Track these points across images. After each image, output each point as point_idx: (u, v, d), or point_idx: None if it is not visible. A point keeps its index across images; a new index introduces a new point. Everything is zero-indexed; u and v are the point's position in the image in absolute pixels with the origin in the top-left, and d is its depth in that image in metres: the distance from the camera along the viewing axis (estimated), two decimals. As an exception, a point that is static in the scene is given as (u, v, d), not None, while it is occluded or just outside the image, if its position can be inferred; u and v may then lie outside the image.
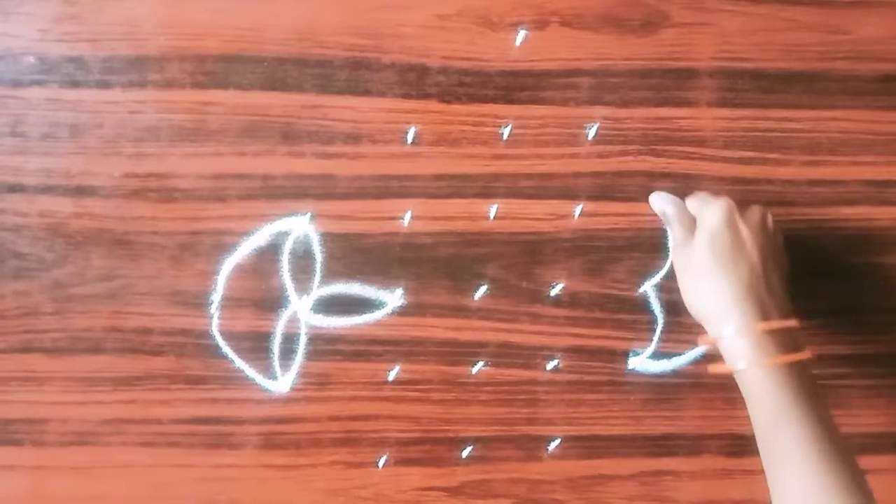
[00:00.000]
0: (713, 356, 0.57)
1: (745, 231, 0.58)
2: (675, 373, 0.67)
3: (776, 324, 0.55)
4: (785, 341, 0.55)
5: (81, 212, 0.64)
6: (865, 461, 0.69)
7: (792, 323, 0.56)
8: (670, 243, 0.62)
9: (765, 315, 0.55)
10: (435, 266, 0.66)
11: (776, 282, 0.58)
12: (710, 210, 0.59)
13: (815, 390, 0.54)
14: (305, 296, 0.66)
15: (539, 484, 0.68)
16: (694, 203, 0.61)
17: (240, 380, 0.66)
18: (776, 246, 0.60)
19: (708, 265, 0.57)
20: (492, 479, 0.68)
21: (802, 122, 0.66)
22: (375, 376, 0.67)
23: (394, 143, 0.64)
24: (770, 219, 0.60)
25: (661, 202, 0.62)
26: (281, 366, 0.66)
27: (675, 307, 0.66)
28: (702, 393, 0.68)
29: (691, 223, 0.60)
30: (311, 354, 0.66)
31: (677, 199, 0.62)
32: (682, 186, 0.65)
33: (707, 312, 0.57)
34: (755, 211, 0.60)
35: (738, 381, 0.56)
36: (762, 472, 0.67)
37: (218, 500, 0.67)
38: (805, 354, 0.55)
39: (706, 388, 0.67)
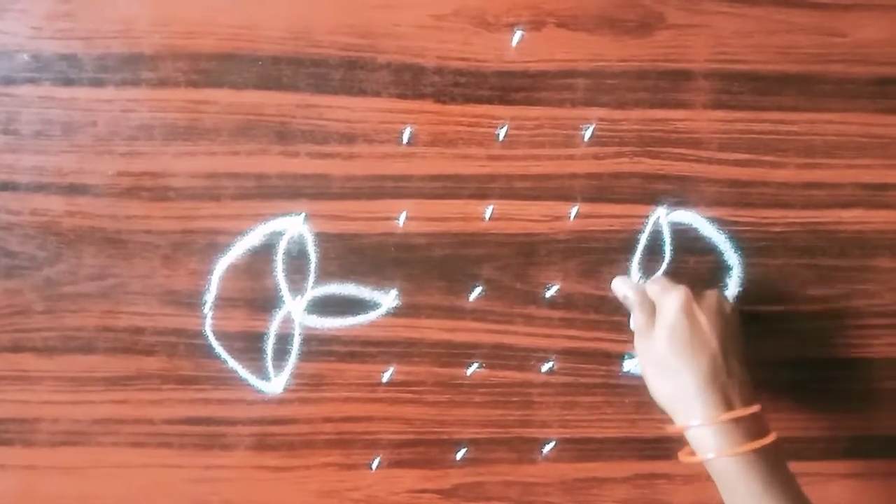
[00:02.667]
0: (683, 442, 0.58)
1: (702, 319, 0.58)
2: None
3: (740, 412, 0.56)
4: (750, 427, 0.56)
5: (74, 210, 0.64)
6: (859, 465, 0.69)
7: (755, 408, 0.57)
8: (632, 325, 0.62)
9: (728, 403, 0.56)
10: (429, 267, 0.66)
11: (737, 367, 0.58)
12: (667, 300, 0.59)
13: (784, 473, 0.56)
14: (299, 296, 0.65)
15: (533, 486, 0.68)
16: (653, 288, 0.61)
17: (232, 380, 0.66)
18: (734, 328, 0.60)
19: (668, 357, 0.58)
20: (485, 482, 0.68)
21: (798, 124, 0.65)
22: (369, 377, 0.66)
23: (389, 143, 0.64)
24: (727, 302, 0.61)
25: (622, 287, 0.63)
26: (274, 366, 0.66)
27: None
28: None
29: (652, 310, 0.60)
30: (305, 355, 0.66)
31: (638, 285, 0.62)
32: (678, 188, 0.65)
33: (671, 403, 0.58)
34: (711, 296, 0.60)
35: (708, 469, 0.57)
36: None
37: (210, 501, 0.67)
38: (771, 438, 0.56)
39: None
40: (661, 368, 0.59)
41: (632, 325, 0.62)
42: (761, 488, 0.54)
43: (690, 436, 0.57)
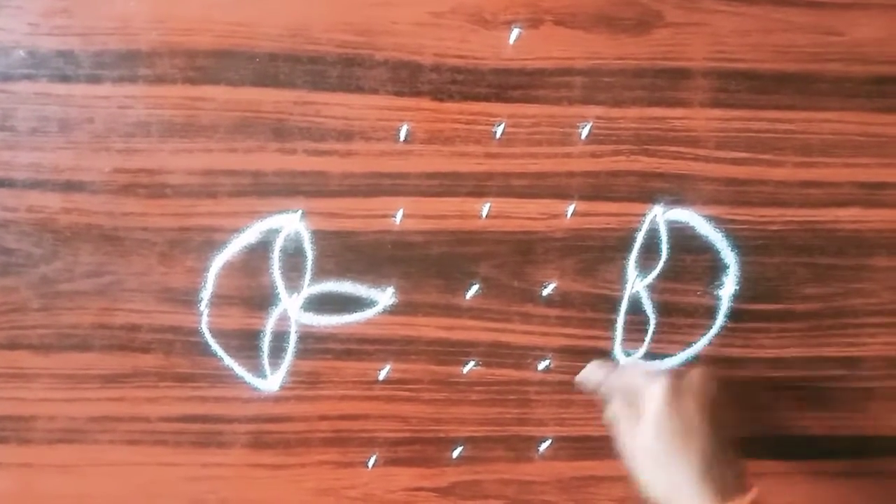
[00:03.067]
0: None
1: (690, 406, 0.57)
2: (667, 374, 0.67)
3: (738, 500, 0.54)
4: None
5: (70, 207, 0.63)
6: (856, 464, 0.69)
7: (753, 494, 0.55)
8: (610, 415, 0.60)
9: (724, 491, 0.54)
10: (426, 265, 0.66)
11: (730, 452, 0.57)
12: (650, 393, 0.57)
13: None
14: (296, 294, 0.65)
15: (529, 485, 0.68)
16: (631, 381, 0.60)
17: (229, 378, 0.66)
18: (722, 407, 0.58)
19: (658, 450, 0.56)
20: (482, 480, 0.68)
21: (795, 123, 0.65)
22: (366, 375, 0.66)
23: (386, 140, 0.64)
24: (711, 380, 0.59)
25: (596, 375, 0.62)
26: (270, 364, 0.66)
27: (667, 308, 0.66)
28: (693, 394, 0.67)
29: (634, 399, 0.58)
30: (301, 353, 0.66)
31: (612, 375, 0.61)
32: (675, 187, 0.65)
33: (665, 498, 0.56)
34: (695, 377, 0.59)
35: None
36: (753, 474, 0.66)
37: (206, 499, 0.67)
38: None
39: (698, 389, 0.67)
40: (650, 462, 0.57)
41: (610, 416, 0.60)
42: None
43: None
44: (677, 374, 0.58)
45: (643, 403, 0.58)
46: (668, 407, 0.57)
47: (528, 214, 0.65)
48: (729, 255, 0.66)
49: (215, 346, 0.65)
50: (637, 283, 0.66)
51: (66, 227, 0.64)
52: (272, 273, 0.65)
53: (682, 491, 0.55)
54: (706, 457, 0.55)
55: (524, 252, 0.66)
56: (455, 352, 0.66)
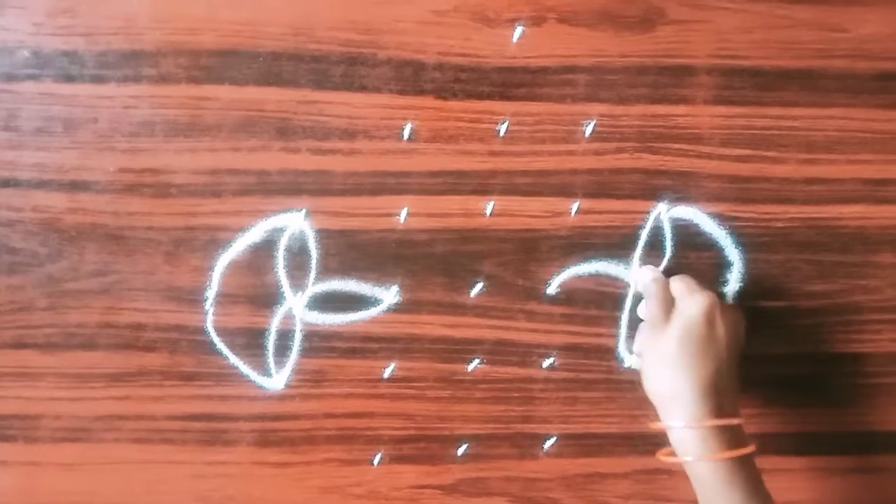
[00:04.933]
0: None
1: (720, 329, 0.59)
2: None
3: (725, 420, 0.57)
4: (732, 436, 0.57)
5: (75, 207, 0.64)
6: (862, 460, 0.69)
7: (738, 420, 0.58)
8: (640, 311, 0.63)
9: (718, 411, 0.57)
10: (431, 263, 0.66)
11: (735, 381, 0.60)
12: (693, 300, 0.60)
13: (762, 486, 0.57)
14: (300, 292, 0.65)
15: (534, 482, 0.68)
16: (678, 286, 0.61)
17: (234, 376, 0.66)
18: (742, 345, 0.62)
19: (676, 354, 0.58)
20: (487, 478, 0.68)
21: (800, 119, 0.65)
22: (371, 373, 0.66)
23: (390, 139, 0.64)
24: (744, 320, 0.62)
25: (646, 276, 0.63)
26: (276, 363, 0.66)
27: (671, 305, 0.66)
28: (698, 391, 0.68)
29: (669, 305, 0.61)
30: (306, 351, 0.66)
31: (662, 278, 0.62)
32: (679, 184, 0.65)
33: (664, 400, 0.59)
34: (733, 311, 0.62)
35: (688, 472, 0.58)
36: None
37: (211, 497, 0.67)
38: (750, 448, 0.57)
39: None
40: (664, 364, 0.59)
41: (644, 314, 0.62)
42: (741, 496, 0.55)
43: (674, 436, 0.58)
44: (720, 297, 0.60)
45: (681, 308, 0.60)
46: (703, 319, 0.59)
47: (531, 212, 0.65)
48: (733, 253, 0.66)
49: (220, 345, 0.65)
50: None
51: (71, 227, 0.64)
52: (277, 272, 0.65)
53: (684, 397, 0.57)
54: (716, 374, 0.58)
55: (528, 250, 0.66)
56: (459, 350, 0.66)
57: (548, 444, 0.68)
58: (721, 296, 0.64)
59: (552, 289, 0.66)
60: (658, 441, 0.66)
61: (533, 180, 0.65)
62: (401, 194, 0.65)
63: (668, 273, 0.64)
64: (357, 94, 0.64)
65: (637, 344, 0.64)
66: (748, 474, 0.56)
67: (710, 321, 0.59)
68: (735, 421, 0.57)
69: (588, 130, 0.65)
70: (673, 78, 0.65)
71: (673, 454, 0.58)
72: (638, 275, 0.64)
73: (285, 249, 0.65)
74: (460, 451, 0.67)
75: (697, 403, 0.57)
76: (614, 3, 0.64)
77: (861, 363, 0.68)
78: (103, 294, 0.65)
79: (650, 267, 0.64)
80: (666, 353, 0.59)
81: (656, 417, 0.60)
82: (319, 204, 0.64)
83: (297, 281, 0.65)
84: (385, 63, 0.63)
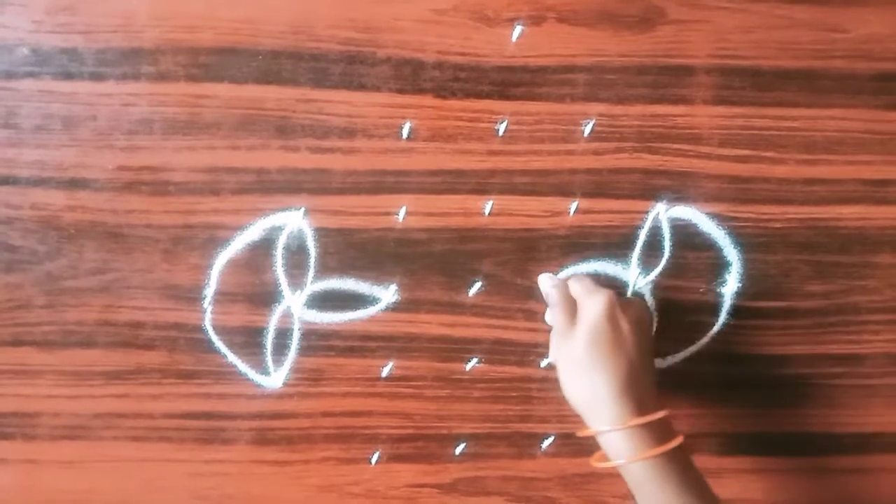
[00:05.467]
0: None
1: (625, 326, 0.58)
2: (670, 371, 0.67)
3: (650, 417, 0.56)
4: (659, 431, 0.56)
5: (74, 204, 0.64)
6: (860, 461, 0.69)
7: (664, 413, 0.57)
8: (549, 321, 0.62)
9: (640, 409, 0.56)
10: (429, 262, 0.66)
11: (651, 374, 0.59)
12: (591, 302, 0.59)
13: (695, 474, 0.57)
14: (299, 291, 0.65)
15: (532, 481, 0.68)
16: (576, 288, 0.61)
17: (232, 375, 0.66)
18: (650, 337, 0.61)
19: (586, 359, 0.58)
20: (485, 476, 0.68)
21: (799, 120, 0.65)
22: (369, 372, 0.66)
23: (389, 138, 0.64)
24: (648, 312, 0.62)
25: (545, 284, 0.62)
26: (274, 361, 0.66)
27: (669, 305, 0.66)
28: (696, 391, 0.68)
29: (572, 309, 0.60)
30: (305, 350, 0.66)
31: (562, 283, 0.62)
32: (678, 184, 0.65)
33: (585, 405, 0.58)
34: (635, 305, 0.61)
35: (622, 474, 0.57)
36: (753, 471, 0.67)
37: (209, 495, 0.67)
38: (679, 440, 0.56)
39: (700, 386, 0.67)
40: (577, 369, 0.58)
41: (549, 321, 0.62)
42: (674, 490, 0.55)
43: (602, 441, 0.57)
44: (618, 295, 0.60)
45: (581, 313, 0.59)
46: (604, 320, 0.58)
47: (530, 212, 0.65)
48: (732, 253, 0.66)
49: (219, 343, 0.65)
50: (640, 281, 0.66)
51: (70, 225, 0.64)
52: (275, 270, 0.65)
53: (603, 400, 0.57)
54: (630, 372, 0.57)
55: (527, 249, 0.66)
56: (458, 349, 0.66)
57: (545, 443, 0.68)
58: (620, 292, 0.63)
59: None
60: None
61: (532, 180, 0.65)
62: (400, 193, 0.65)
63: (667, 273, 0.65)
64: (356, 92, 0.64)
65: (550, 352, 0.63)
66: (681, 466, 0.56)
67: (612, 319, 0.58)
68: (658, 415, 0.57)
69: (587, 130, 0.65)
70: (672, 78, 0.64)
71: (605, 458, 0.58)
72: (539, 283, 0.64)
73: (284, 248, 0.65)
74: (458, 450, 0.67)
75: (617, 404, 0.56)
76: (614, 3, 0.64)
77: (859, 363, 0.68)
78: (102, 292, 0.65)
79: (548, 275, 0.64)
80: (576, 359, 0.58)
81: (579, 430, 0.60)
82: (318, 202, 0.64)
83: (296, 279, 0.65)
84: (384, 62, 0.63)
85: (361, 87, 0.64)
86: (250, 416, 0.66)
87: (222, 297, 0.65)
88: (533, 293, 0.66)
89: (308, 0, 0.63)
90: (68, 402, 0.65)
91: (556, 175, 0.65)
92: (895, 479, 0.70)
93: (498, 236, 0.66)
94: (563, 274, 0.65)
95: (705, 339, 0.67)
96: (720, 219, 0.66)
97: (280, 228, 0.65)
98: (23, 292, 0.64)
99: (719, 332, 0.67)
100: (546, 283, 0.62)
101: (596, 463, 0.59)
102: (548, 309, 0.62)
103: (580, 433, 0.59)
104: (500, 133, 0.64)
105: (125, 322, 0.65)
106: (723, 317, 0.67)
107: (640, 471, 0.56)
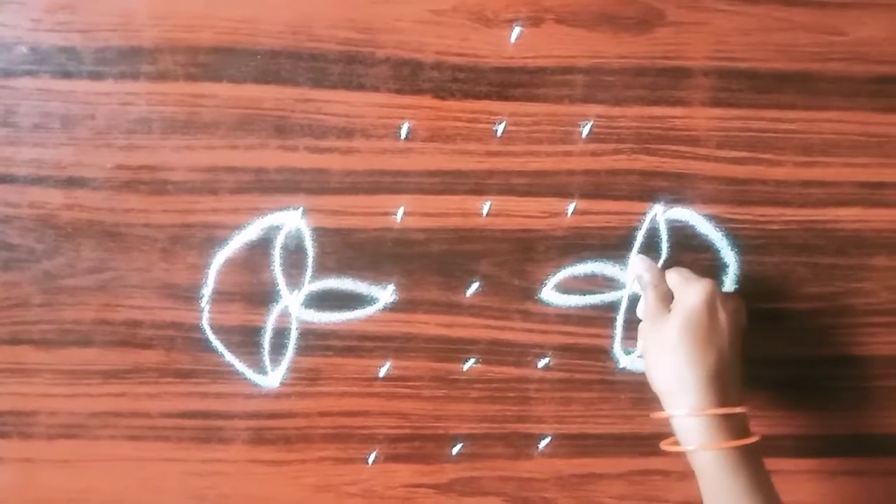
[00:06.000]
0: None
1: (722, 317, 0.58)
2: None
3: (729, 409, 0.56)
4: (736, 426, 0.56)
5: (72, 203, 0.64)
6: (857, 463, 0.69)
7: (743, 409, 0.57)
8: (639, 311, 0.63)
9: (723, 401, 0.56)
10: (427, 262, 0.66)
11: (738, 370, 0.59)
12: (693, 289, 0.59)
13: (766, 475, 0.57)
14: (297, 290, 0.65)
15: (529, 482, 0.68)
16: (675, 277, 0.61)
17: (230, 374, 0.66)
18: (743, 334, 0.61)
19: (679, 343, 0.58)
20: (481, 477, 0.68)
21: (796, 122, 0.65)
22: (366, 372, 0.66)
23: (387, 138, 0.64)
24: (744, 309, 0.62)
25: (640, 266, 0.63)
26: (271, 360, 0.66)
27: (666, 306, 0.66)
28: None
29: (667, 295, 0.61)
30: (302, 349, 0.66)
31: (656, 267, 0.62)
32: (676, 185, 0.65)
33: (668, 389, 0.58)
34: (734, 299, 0.61)
35: (690, 460, 0.57)
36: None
37: (206, 494, 0.67)
38: (754, 438, 0.56)
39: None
40: (666, 353, 0.58)
41: (642, 306, 0.62)
42: (740, 488, 0.55)
43: (677, 425, 0.57)
44: (705, 289, 0.59)
45: (680, 297, 0.59)
46: (704, 307, 0.58)
47: (528, 213, 0.65)
48: (729, 255, 0.66)
49: (216, 343, 0.65)
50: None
51: (67, 223, 0.64)
52: (273, 270, 0.65)
53: (688, 386, 0.57)
54: (720, 362, 0.57)
55: (525, 250, 0.66)
56: (455, 349, 0.66)
57: (542, 444, 0.68)
58: (720, 284, 0.63)
59: (548, 291, 0.66)
60: (654, 440, 0.66)
61: (530, 181, 0.65)
62: (398, 193, 0.65)
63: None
64: (355, 92, 0.64)
65: (640, 341, 0.62)
66: (753, 466, 0.56)
67: (711, 309, 0.58)
68: (738, 410, 0.57)
69: (585, 131, 0.65)
70: (670, 80, 0.65)
71: (677, 444, 0.58)
72: (633, 265, 0.64)
73: (282, 247, 0.65)
74: (455, 450, 0.68)
75: (701, 392, 0.56)
76: (612, 5, 0.64)
77: (856, 366, 0.68)
78: (99, 291, 0.65)
79: (641, 257, 0.64)
80: (668, 343, 0.58)
81: (648, 418, 0.60)
82: (316, 202, 0.64)
83: (294, 279, 0.65)
84: (383, 62, 0.64)
85: (360, 87, 0.64)
86: (247, 416, 0.66)
87: (220, 296, 0.65)
88: (531, 294, 0.66)
89: (307, 0, 0.63)
90: (65, 400, 0.65)
91: (554, 176, 0.65)
92: (890, 482, 0.70)
93: (496, 237, 0.66)
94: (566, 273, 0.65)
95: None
96: (717, 220, 0.66)
97: (278, 228, 0.65)
98: (20, 291, 0.64)
99: (716, 334, 0.67)
100: (639, 265, 0.63)
101: (667, 447, 0.59)
102: (641, 299, 0.62)
103: (654, 416, 0.59)
104: (499, 134, 0.65)
105: (122, 321, 0.65)
106: (720, 318, 0.67)
107: (711, 461, 0.55)
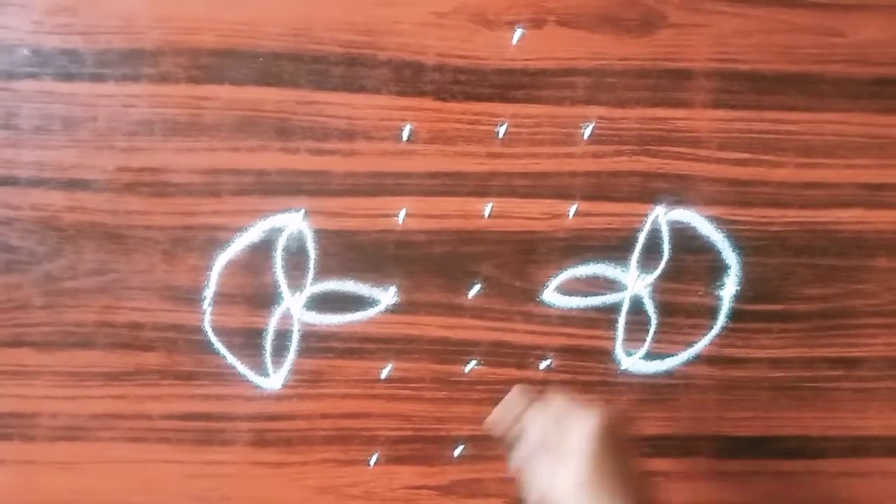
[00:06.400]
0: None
1: (617, 450, 0.52)
2: (668, 374, 0.67)
3: None
4: None
5: (74, 205, 0.64)
6: (858, 465, 0.69)
7: None
8: (522, 453, 0.56)
9: None
10: (428, 264, 0.66)
11: (633, 469, 0.53)
12: (577, 429, 0.53)
13: None
14: (298, 292, 0.65)
15: (530, 483, 0.68)
16: (554, 414, 0.55)
17: (231, 376, 0.66)
18: (631, 450, 0.54)
19: (585, 494, 0.51)
20: (483, 479, 0.68)
21: (797, 124, 0.66)
22: (368, 374, 0.66)
23: (388, 140, 0.64)
24: (625, 423, 0.56)
25: (510, 407, 0.57)
26: (273, 363, 0.66)
27: (668, 308, 0.66)
28: (694, 394, 0.68)
29: (553, 435, 0.54)
30: (304, 351, 0.66)
31: (530, 407, 0.57)
32: (677, 187, 0.66)
33: None
34: (615, 417, 0.54)
35: None
36: (754, 474, 0.67)
37: (208, 496, 0.67)
38: None
39: (699, 389, 0.67)
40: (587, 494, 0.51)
41: (522, 454, 0.56)
42: None
43: None
44: (599, 414, 0.53)
45: (568, 440, 0.53)
46: (599, 446, 0.52)
47: (530, 214, 0.65)
48: (730, 256, 0.66)
49: (218, 345, 0.65)
50: (638, 284, 0.66)
51: (69, 225, 0.64)
52: (275, 272, 0.65)
53: None
54: (640, 486, 0.52)
55: (526, 252, 0.66)
56: (457, 351, 0.66)
57: (544, 445, 0.68)
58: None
59: (550, 292, 0.66)
60: (655, 441, 0.67)
61: (531, 182, 0.65)
62: (399, 195, 0.65)
63: (666, 276, 0.65)
64: (356, 94, 0.64)
65: (530, 486, 0.54)
66: None
67: (606, 448, 0.51)
68: None
69: (587, 133, 0.65)
70: (672, 81, 0.65)
71: None
72: (503, 411, 0.58)
73: (283, 249, 0.65)
74: (457, 452, 0.68)
75: None
76: (614, 7, 0.64)
77: (856, 367, 0.68)
78: (101, 293, 0.64)
79: (516, 391, 0.58)
80: (573, 495, 0.51)
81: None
82: (318, 204, 0.65)
83: (295, 281, 0.65)
84: (385, 64, 0.64)
85: (362, 89, 0.64)
86: (249, 418, 0.66)
87: (222, 298, 0.65)
88: (532, 295, 0.66)
89: (309, 2, 0.63)
90: (67, 402, 0.65)
91: (556, 178, 0.65)
92: (892, 483, 0.70)
93: (497, 239, 0.66)
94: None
95: (703, 342, 0.67)
96: (719, 222, 0.66)
97: (280, 230, 0.65)
98: (22, 293, 0.64)
99: (717, 335, 0.67)
100: (512, 410, 0.56)
101: None
102: (518, 443, 0.56)
103: None
104: (500, 135, 0.65)
105: (124, 323, 0.65)
106: (721, 320, 0.67)
107: None
